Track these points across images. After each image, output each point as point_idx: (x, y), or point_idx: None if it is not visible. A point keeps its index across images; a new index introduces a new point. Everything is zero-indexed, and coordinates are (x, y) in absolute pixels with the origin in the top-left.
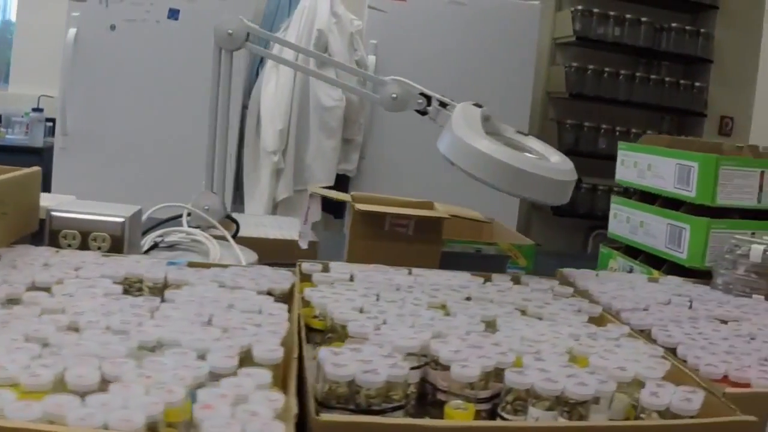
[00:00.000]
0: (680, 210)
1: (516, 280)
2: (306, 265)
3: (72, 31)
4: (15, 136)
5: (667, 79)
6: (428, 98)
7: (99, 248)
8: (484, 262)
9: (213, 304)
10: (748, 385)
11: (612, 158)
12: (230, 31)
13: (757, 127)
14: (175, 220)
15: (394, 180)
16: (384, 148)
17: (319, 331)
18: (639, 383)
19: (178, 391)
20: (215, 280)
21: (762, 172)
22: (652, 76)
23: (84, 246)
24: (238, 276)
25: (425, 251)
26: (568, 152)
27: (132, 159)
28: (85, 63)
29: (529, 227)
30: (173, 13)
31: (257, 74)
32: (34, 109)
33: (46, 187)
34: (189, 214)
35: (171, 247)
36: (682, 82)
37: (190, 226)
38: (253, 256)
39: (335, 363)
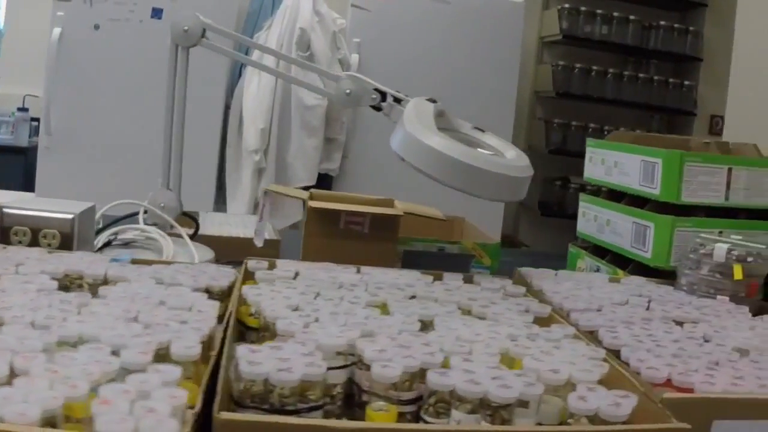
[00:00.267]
0: (645, 208)
1: (468, 280)
2: (251, 263)
3: (56, 30)
4: (0, 136)
5: (656, 77)
6: (383, 94)
7: (49, 245)
8: (448, 261)
9: (144, 300)
10: (691, 390)
11: None
12: (186, 28)
13: (730, 125)
14: (133, 217)
15: (378, 179)
16: (367, 147)
17: (254, 329)
18: (573, 387)
19: (82, 386)
20: (154, 277)
21: (729, 169)
22: (641, 75)
23: (35, 243)
24: (178, 273)
25: (381, 249)
26: (556, 152)
27: (116, 158)
28: (69, 62)
29: (518, 228)
30: (156, 13)
31: (240, 74)
32: (20, 109)
33: (30, 186)
34: (146, 212)
35: (126, 244)
36: (671, 80)
37: (147, 224)
38: (210, 254)
39: (250, 361)
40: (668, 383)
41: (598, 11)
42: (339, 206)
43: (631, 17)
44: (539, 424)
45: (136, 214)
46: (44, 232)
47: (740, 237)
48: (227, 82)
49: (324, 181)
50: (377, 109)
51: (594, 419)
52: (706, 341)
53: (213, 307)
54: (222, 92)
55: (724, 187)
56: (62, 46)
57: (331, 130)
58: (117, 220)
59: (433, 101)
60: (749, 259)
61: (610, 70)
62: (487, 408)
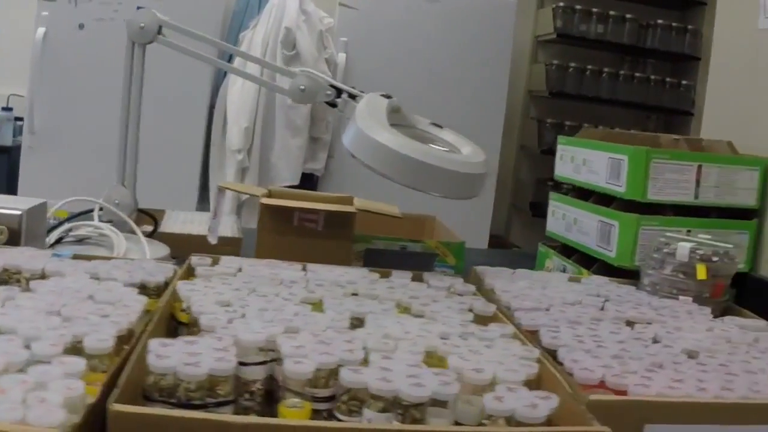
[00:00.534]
0: (611, 206)
1: (417, 278)
2: (195, 259)
3: (41, 30)
4: None
5: (653, 77)
6: (339, 90)
7: None
8: (410, 260)
9: (73, 295)
10: (624, 393)
11: None
12: (142, 25)
13: (706, 123)
14: (88, 213)
15: (364, 180)
16: None
17: (186, 325)
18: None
19: None
20: (90, 272)
21: (699, 166)
22: (637, 74)
23: None
24: (115, 269)
25: (336, 246)
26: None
27: (99, 158)
28: (54, 62)
29: (509, 229)
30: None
31: (225, 73)
32: (4, 108)
33: (14, 186)
34: (101, 209)
35: (81, 241)
36: (668, 80)
37: (102, 221)
38: (165, 251)
39: (159, 354)
40: (602, 385)
41: (594, 10)
42: (292, 203)
43: (628, 16)
44: (459, 424)
45: (91, 210)
46: None
47: (709, 236)
48: (212, 82)
49: (309, 181)
50: (332, 105)
51: (510, 420)
52: (656, 342)
53: (139, 302)
54: (207, 91)
55: (694, 184)
56: (47, 45)
57: (317, 130)
58: (72, 217)
59: (388, 97)
60: (714, 258)
61: (606, 70)
62: (398, 407)
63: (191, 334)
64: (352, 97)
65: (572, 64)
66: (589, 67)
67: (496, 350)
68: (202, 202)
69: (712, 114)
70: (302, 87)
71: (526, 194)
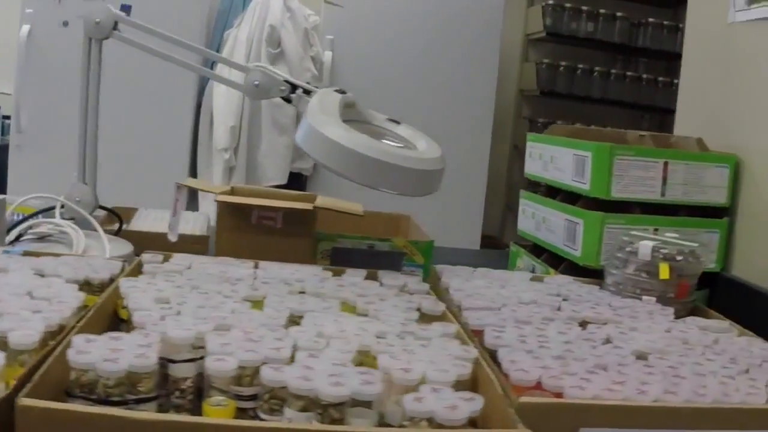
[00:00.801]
0: (577, 204)
1: (371, 276)
2: (146, 256)
3: (25, 27)
4: None
5: (644, 76)
6: (294, 86)
7: None
8: (378, 259)
9: (10, 290)
10: (560, 395)
11: None
12: (98, 20)
13: (678, 121)
14: (50, 210)
15: None
16: None
17: (126, 322)
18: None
19: None
20: (35, 268)
21: (665, 163)
22: (629, 73)
23: None
24: (61, 265)
25: (295, 244)
26: None
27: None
28: (39, 60)
29: (504, 229)
30: (125, 9)
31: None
32: None
33: (2, 185)
34: (63, 206)
35: (42, 238)
36: (660, 79)
37: (64, 218)
38: (128, 248)
39: (80, 350)
40: (538, 386)
41: (584, 8)
42: (250, 201)
43: (619, 14)
44: (387, 425)
45: (53, 208)
46: None
47: (676, 235)
48: (198, 81)
49: (298, 180)
50: (287, 100)
51: (432, 422)
52: (607, 343)
53: (76, 298)
54: (193, 90)
55: (660, 182)
56: (31, 43)
57: None
58: (33, 214)
59: (342, 92)
60: (678, 258)
61: (597, 69)
62: (318, 406)
63: (129, 331)
64: (307, 92)
65: (563, 63)
66: (580, 66)
67: (431, 350)
68: (191, 202)
69: (685, 111)
70: (256, 82)
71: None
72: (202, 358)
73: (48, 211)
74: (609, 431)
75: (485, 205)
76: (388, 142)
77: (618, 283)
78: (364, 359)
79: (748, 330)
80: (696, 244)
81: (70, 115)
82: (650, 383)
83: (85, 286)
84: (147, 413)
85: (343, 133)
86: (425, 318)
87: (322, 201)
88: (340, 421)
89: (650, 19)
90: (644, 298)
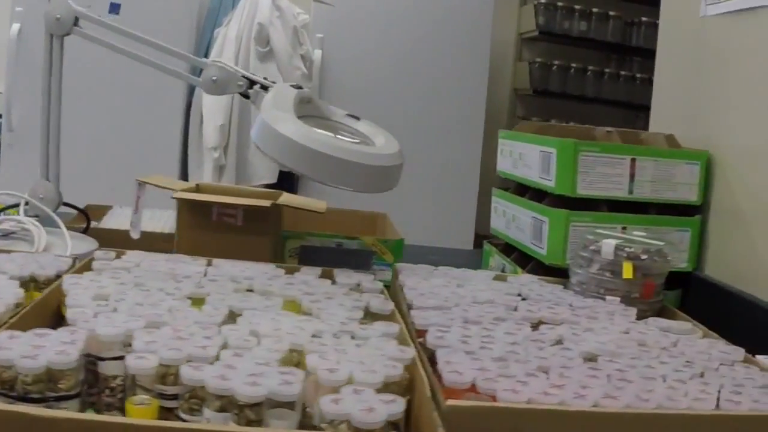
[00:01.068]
0: (543, 202)
1: (326, 274)
2: (98, 253)
3: (15, 26)
4: None
5: (638, 75)
6: (252, 81)
7: None
8: (346, 257)
9: None
10: (493, 398)
11: None
12: (58, 16)
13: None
14: (14, 207)
15: None
16: None
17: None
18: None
19: None
20: None
21: (633, 160)
22: (623, 73)
23: None
24: (9, 262)
25: (256, 242)
26: None
27: (78, 154)
28: (30, 58)
29: None
30: (114, 7)
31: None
32: None
33: None
34: (27, 203)
35: (6, 235)
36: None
37: (28, 215)
38: (92, 246)
39: (2, 346)
40: (472, 389)
41: (577, 7)
42: (209, 198)
43: (612, 13)
44: (313, 427)
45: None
46: None
47: (644, 233)
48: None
49: (289, 179)
50: (245, 96)
51: (350, 424)
52: (558, 344)
53: (14, 295)
54: (183, 89)
55: (628, 179)
56: (21, 41)
57: None
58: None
59: (299, 87)
60: (643, 257)
61: (591, 68)
62: (235, 406)
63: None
64: (264, 88)
65: (556, 62)
66: (574, 65)
67: (365, 350)
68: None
69: (659, 107)
70: (214, 78)
71: None
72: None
73: (14, 207)
74: None
75: (478, 205)
76: (344, 137)
77: (582, 283)
78: (293, 358)
79: (715, 332)
80: (662, 243)
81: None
82: (592, 387)
83: (31, 282)
84: (52, 411)
85: (296, 129)
86: (373, 317)
87: (285, 198)
88: (256, 423)
89: (644, 18)
90: (608, 298)
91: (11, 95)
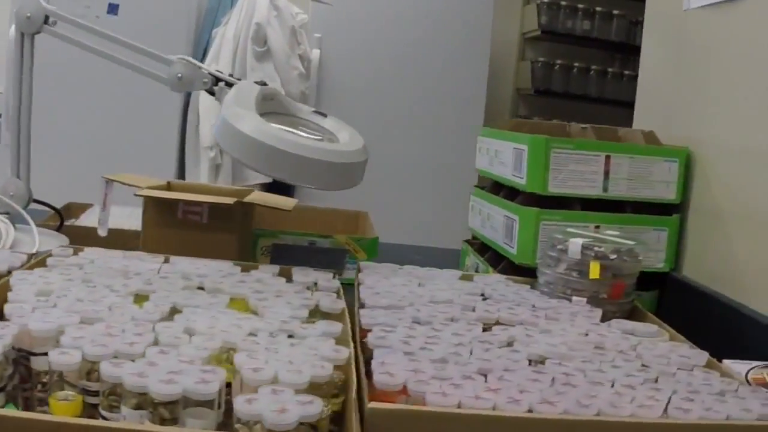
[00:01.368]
0: (515, 200)
1: (285, 273)
2: (57, 250)
3: (14, 27)
4: None
5: None
6: (217, 79)
7: None
8: (319, 256)
9: None
10: (422, 401)
11: None
12: (29, 15)
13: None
14: None
15: None
16: None
17: None
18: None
19: None
20: None
21: (607, 157)
22: (626, 72)
23: None
24: None
25: (221, 239)
26: None
27: (77, 154)
28: (27, 59)
29: None
30: (113, 8)
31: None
32: None
33: None
34: None
35: None
36: None
37: None
38: (63, 243)
39: None
40: (403, 390)
41: (580, 6)
42: (173, 195)
43: (616, 12)
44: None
45: None
46: None
47: (617, 233)
48: None
49: None
50: (211, 93)
51: (262, 425)
52: (508, 346)
53: None
54: None
55: (602, 176)
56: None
57: None
58: None
59: (263, 84)
60: (612, 256)
61: (594, 67)
62: (150, 404)
63: None
64: (229, 85)
65: (558, 62)
66: (576, 64)
67: (299, 349)
68: None
69: (643, 103)
70: (179, 75)
71: None
72: None
73: None
74: None
75: None
76: (305, 134)
77: (549, 283)
78: (219, 357)
79: (689, 334)
80: (633, 242)
81: (60, 113)
82: (530, 391)
83: None
84: None
85: (254, 126)
86: (323, 316)
87: (253, 196)
88: (171, 421)
89: None
90: (574, 299)
91: (10, 96)
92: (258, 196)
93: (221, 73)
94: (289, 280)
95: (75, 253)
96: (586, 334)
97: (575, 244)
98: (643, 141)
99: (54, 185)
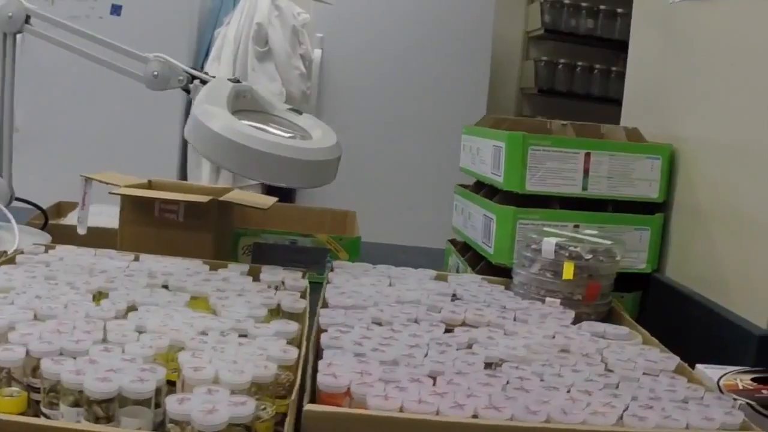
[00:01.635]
0: (494, 199)
1: (253, 272)
2: (29, 247)
3: None
4: None
5: None
6: (193, 77)
7: None
8: (300, 255)
9: None
10: (363, 404)
11: None
12: (10, 14)
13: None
14: None
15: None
16: None
17: None
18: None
19: None
20: None
21: (587, 154)
22: None
23: None
24: None
25: (197, 238)
26: None
27: (78, 154)
28: (32, 60)
29: None
30: (116, 9)
31: (202, 69)
32: None
33: None
34: None
35: None
36: None
37: None
38: (44, 241)
39: None
40: (347, 393)
41: (583, 5)
42: (148, 193)
43: (619, 11)
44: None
45: None
46: None
47: (595, 232)
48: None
49: None
50: (186, 91)
51: (193, 427)
52: (467, 348)
53: None
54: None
55: (581, 174)
56: (25, 44)
57: None
58: None
59: (236, 81)
60: (587, 256)
61: (597, 66)
62: (86, 402)
63: None
64: (204, 83)
65: (561, 61)
66: (580, 63)
67: (247, 349)
68: None
69: (630, 99)
70: (155, 73)
71: None
72: None
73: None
74: None
75: None
76: (277, 132)
77: (524, 284)
78: (165, 355)
79: (670, 338)
80: (610, 242)
81: (63, 113)
82: (478, 396)
83: None
84: None
85: (224, 124)
86: (284, 315)
87: (231, 195)
88: (105, 419)
89: None
90: (548, 300)
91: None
92: (236, 195)
93: (196, 70)
94: (256, 279)
95: (46, 250)
96: (553, 337)
97: (549, 244)
98: (625, 138)
99: (56, 185)
